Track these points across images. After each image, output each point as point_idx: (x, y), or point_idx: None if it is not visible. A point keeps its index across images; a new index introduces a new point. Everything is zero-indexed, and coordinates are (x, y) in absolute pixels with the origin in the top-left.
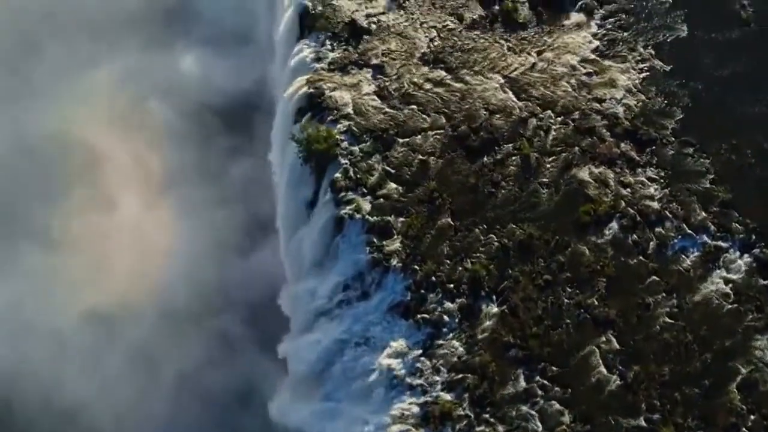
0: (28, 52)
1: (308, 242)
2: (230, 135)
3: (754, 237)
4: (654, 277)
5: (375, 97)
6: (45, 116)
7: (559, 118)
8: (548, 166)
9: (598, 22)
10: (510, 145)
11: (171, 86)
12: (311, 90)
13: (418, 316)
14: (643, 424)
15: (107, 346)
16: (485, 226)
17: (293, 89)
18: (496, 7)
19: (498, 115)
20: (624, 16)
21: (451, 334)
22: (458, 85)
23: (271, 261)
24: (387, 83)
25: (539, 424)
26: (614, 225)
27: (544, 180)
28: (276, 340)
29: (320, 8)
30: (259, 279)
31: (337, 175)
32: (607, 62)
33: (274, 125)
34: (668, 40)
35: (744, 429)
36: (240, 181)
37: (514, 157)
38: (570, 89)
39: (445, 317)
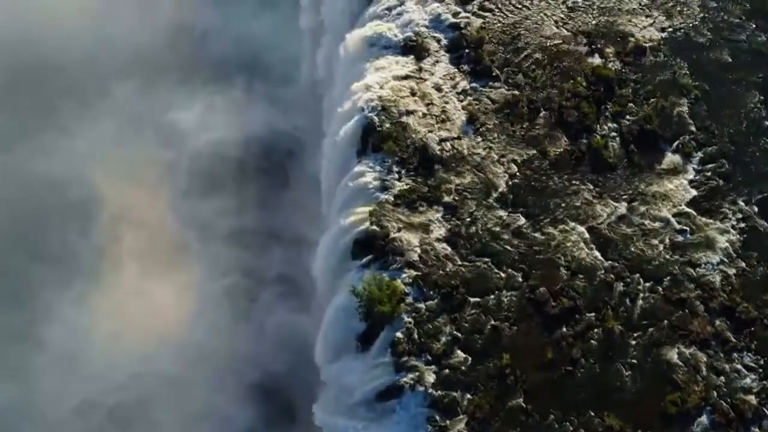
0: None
1: (359, 390)
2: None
3: None
4: None
5: (445, 244)
6: (63, 167)
7: (647, 284)
8: (633, 343)
9: (696, 166)
10: (592, 314)
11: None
12: (375, 227)
13: None
14: None
15: None
16: (561, 413)
17: (353, 220)
18: (584, 141)
19: (580, 276)
20: (725, 161)
21: None
22: (538, 235)
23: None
24: (459, 227)
25: None
26: (704, 419)
27: (628, 360)
28: None
29: (388, 125)
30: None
31: (399, 335)
32: (704, 218)
33: (322, 244)
34: None
35: None
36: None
37: (596, 330)
38: (661, 248)
39: None
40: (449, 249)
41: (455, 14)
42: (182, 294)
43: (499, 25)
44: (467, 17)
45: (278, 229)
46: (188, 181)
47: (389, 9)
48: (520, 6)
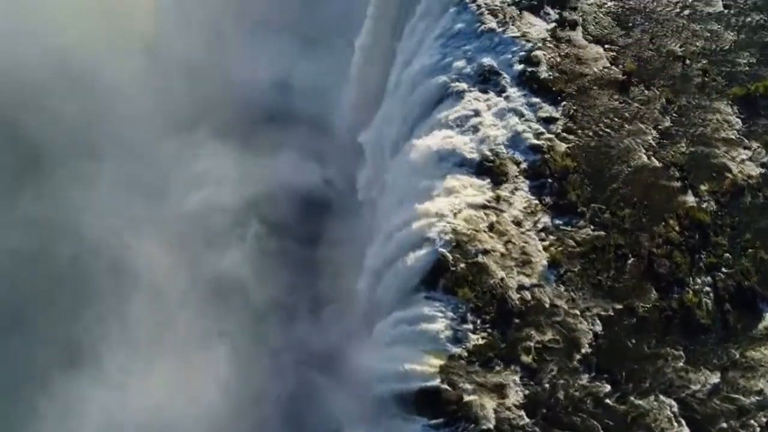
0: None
1: None
2: None
3: None
4: None
5: (523, 413)
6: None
7: None
8: None
9: None
10: None
11: None
12: (446, 386)
13: None
14: None
15: None
16: None
17: (418, 369)
18: (676, 296)
19: None
20: None
21: None
22: (623, 408)
23: None
24: (539, 393)
25: None
26: None
27: None
28: None
29: (463, 266)
30: None
31: None
32: None
33: (367, 380)
34: None
35: None
36: None
37: None
38: (758, 430)
39: None
40: (527, 418)
41: (537, 134)
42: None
43: (584, 151)
44: (550, 139)
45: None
46: (214, 237)
47: (463, 119)
48: (607, 129)
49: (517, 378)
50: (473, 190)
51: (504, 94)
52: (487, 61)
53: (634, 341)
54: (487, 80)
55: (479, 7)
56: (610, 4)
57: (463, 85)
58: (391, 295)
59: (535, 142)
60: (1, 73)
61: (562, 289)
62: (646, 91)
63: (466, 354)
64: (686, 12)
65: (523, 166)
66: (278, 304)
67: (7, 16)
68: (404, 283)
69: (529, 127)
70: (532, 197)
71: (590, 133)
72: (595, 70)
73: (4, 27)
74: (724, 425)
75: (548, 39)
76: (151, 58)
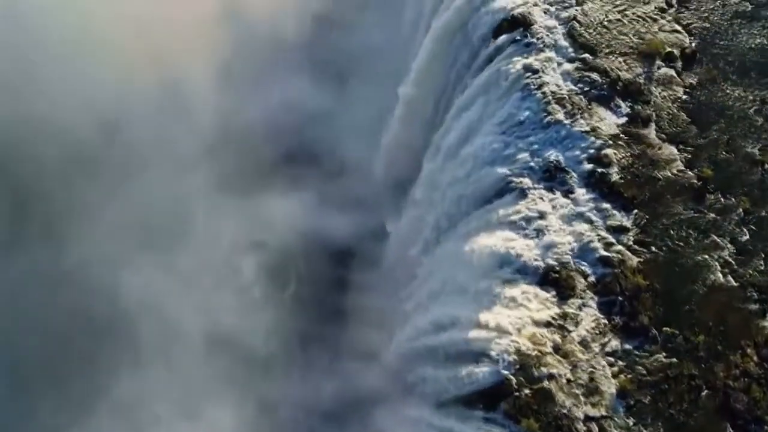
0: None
1: None
2: None
3: None
4: None
5: None
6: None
7: None
8: None
9: None
10: None
11: None
12: None
13: None
14: None
15: None
16: None
17: None
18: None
19: None
20: None
21: None
22: None
23: None
24: None
25: None
26: None
27: None
28: None
29: (527, 392)
30: None
31: None
32: None
33: None
34: None
35: None
36: None
37: None
38: None
39: None
40: None
41: (607, 245)
42: None
43: (657, 266)
44: (621, 251)
45: None
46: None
47: (526, 220)
48: (681, 242)
49: None
50: (537, 303)
51: (571, 196)
52: (554, 156)
53: None
54: (553, 177)
55: (545, 95)
56: (684, 97)
57: (527, 182)
58: (429, 391)
59: (605, 253)
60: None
61: (632, 422)
62: (723, 200)
63: None
64: (765, 110)
65: (592, 279)
66: (296, 356)
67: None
68: (450, 391)
69: (599, 236)
70: (601, 316)
71: (663, 247)
72: (669, 174)
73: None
74: None
75: (619, 135)
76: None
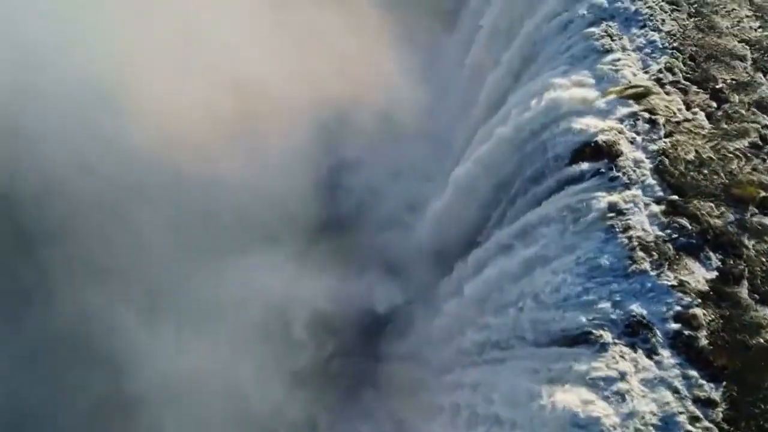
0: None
1: None
2: None
3: None
4: None
5: None
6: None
7: None
8: None
9: None
10: None
11: None
12: None
13: None
14: None
15: None
16: None
17: None
18: None
19: None
20: None
21: None
22: None
23: None
24: None
25: None
26: None
27: None
28: None
29: None
30: None
31: None
32: None
33: None
34: None
35: None
36: None
37: None
38: None
39: None
40: None
41: (693, 419)
42: None
43: None
44: (708, 428)
45: None
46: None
47: (607, 381)
48: None
49: None
50: None
51: (655, 357)
52: (637, 309)
53: None
54: (635, 333)
55: (630, 239)
56: None
57: (608, 336)
58: None
59: (691, 429)
60: None
61: None
62: None
63: None
64: None
65: None
66: None
67: None
68: None
69: (685, 409)
70: None
71: (754, 427)
72: (762, 341)
73: None
74: None
75: (709, 294)
76: None
